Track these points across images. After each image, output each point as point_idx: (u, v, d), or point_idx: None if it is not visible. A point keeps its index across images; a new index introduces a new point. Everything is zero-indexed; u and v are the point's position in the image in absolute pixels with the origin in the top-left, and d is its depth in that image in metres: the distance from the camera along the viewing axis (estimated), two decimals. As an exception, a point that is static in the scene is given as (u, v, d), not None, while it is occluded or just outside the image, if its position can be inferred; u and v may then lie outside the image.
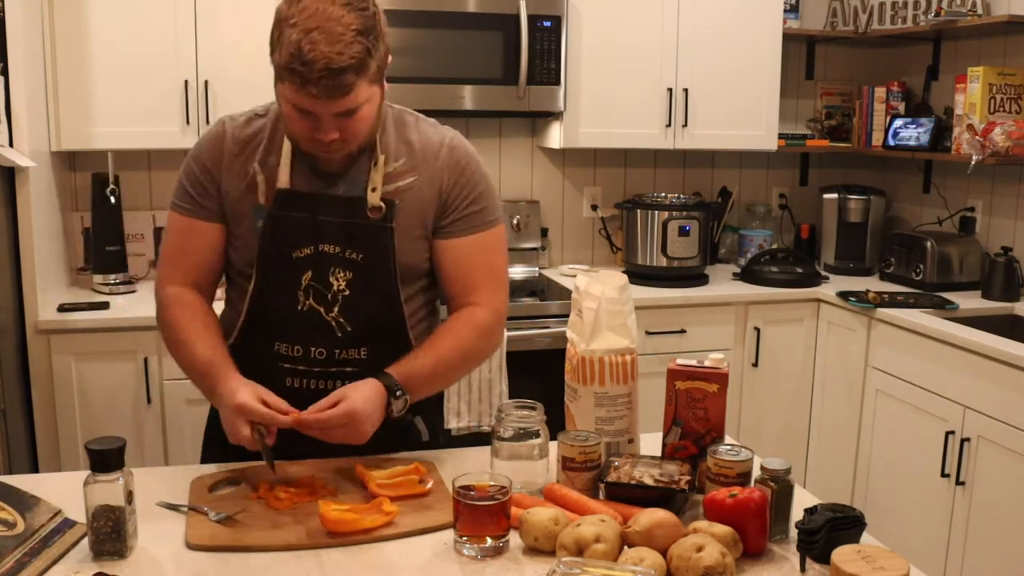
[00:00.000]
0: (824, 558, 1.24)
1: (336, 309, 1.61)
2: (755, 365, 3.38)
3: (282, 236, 1.59)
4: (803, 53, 4.00)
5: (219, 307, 1.73)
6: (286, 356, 1.62)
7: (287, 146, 1.60)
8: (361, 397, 1.48)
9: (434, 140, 1.66)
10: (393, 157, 1.63)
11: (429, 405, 1.79)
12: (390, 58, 1.54)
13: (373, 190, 1.59)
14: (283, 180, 1.59)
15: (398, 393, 1.54)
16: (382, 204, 1.59)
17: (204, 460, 1.76)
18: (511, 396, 2.95)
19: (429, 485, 1.51)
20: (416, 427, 1.75)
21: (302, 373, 1.62)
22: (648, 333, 3.21)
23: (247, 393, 1.47)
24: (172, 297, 1.64)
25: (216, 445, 1.66)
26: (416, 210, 1.63)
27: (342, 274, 1.60)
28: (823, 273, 3.65)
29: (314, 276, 1.60)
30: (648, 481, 1.43)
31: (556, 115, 3.40)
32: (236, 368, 1.55)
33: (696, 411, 1.51)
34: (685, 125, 3.48)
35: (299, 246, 1.59)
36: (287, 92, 1.47)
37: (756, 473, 1.41)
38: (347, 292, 1.60)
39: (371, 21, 1.45)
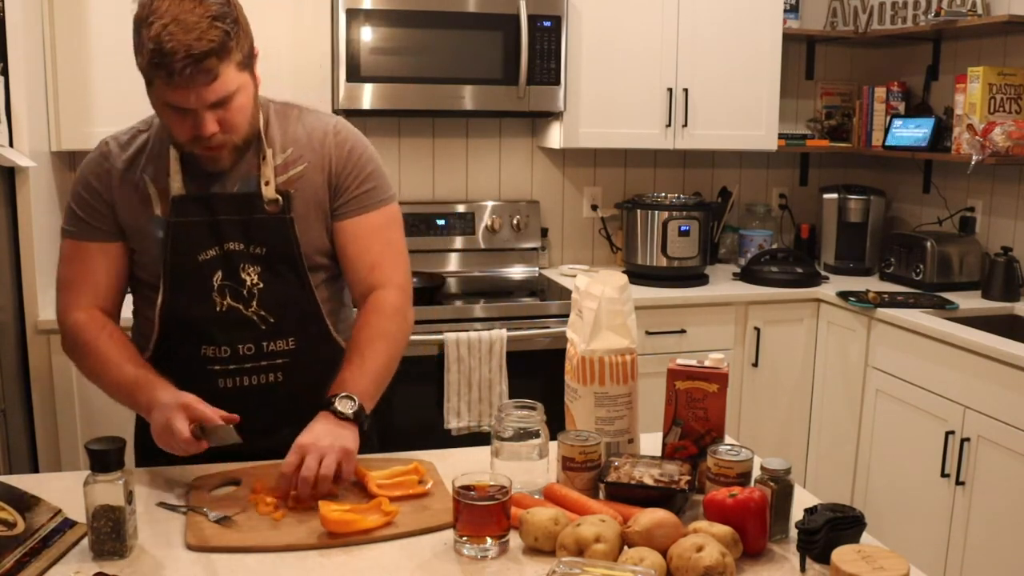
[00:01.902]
0: (824, 558, 1.24)
1: (255, 303, 1.62)
2: (755, 365, 3.38)
3: (185, 242, 1.60)
4: (803, 53, 4.00)
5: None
6: (214, 358, 1.62)
7: (174, 153, 1.60)
8: (309, 430, 1.48)
9: (319, 127, 1.69)
10: (280, 149, 1.65)
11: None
12: (258, 50, 1.58)
13: (267, 184, 1.62)
14: (176, 187, 1.60)
15: (332, 400, 1.52)
16: (278, 196, 1.61)
17: (139, 464, 1.74)
18: (511, 396, 2.96)
19: (429, 485, 1.51)
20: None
21: (233, 372, 1.63)
22: (648, 333, 3.21)
23: (190, 395, 1.48)
24: (81, 323, 1.62)
25: (149, 448, 1.63)
26: (310, 196, 1.65)
27: (252, 269, 1.62)
28: (823, 273, 3.65)
29: (225, 275, 1.61)
30: (648, 481, 1.43)
31: (556, 115, 3.40)
32: (166, 380, 1.55)
33: (696, 411, 1.52)
34: (685, 125, 3.48)
35: (203, 249, 1.61)
36: (158, 92, 1.49)
37: (756, 473, 1.41)
38: (260, 285, 1.62)
39: (225, 8, 1.48)
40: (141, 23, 1.45)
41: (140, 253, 1.64)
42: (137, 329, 1.71)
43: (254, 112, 1.60)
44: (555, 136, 3.46)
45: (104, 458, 1.27)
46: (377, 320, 1.66)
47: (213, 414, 1.47)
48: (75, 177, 1.67)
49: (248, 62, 1.55)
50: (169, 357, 1.64)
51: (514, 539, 1.34)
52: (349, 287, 1.76)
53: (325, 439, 1.46)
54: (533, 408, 1.53)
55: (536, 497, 1.45)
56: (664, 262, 3.44)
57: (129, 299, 1.73)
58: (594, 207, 3.82)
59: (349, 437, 1.49)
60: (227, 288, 1.61)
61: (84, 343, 1.61)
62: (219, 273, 1.61)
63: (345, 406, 1.52)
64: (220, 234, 1.61)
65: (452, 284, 3.42)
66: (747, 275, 3.54)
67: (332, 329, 1.72)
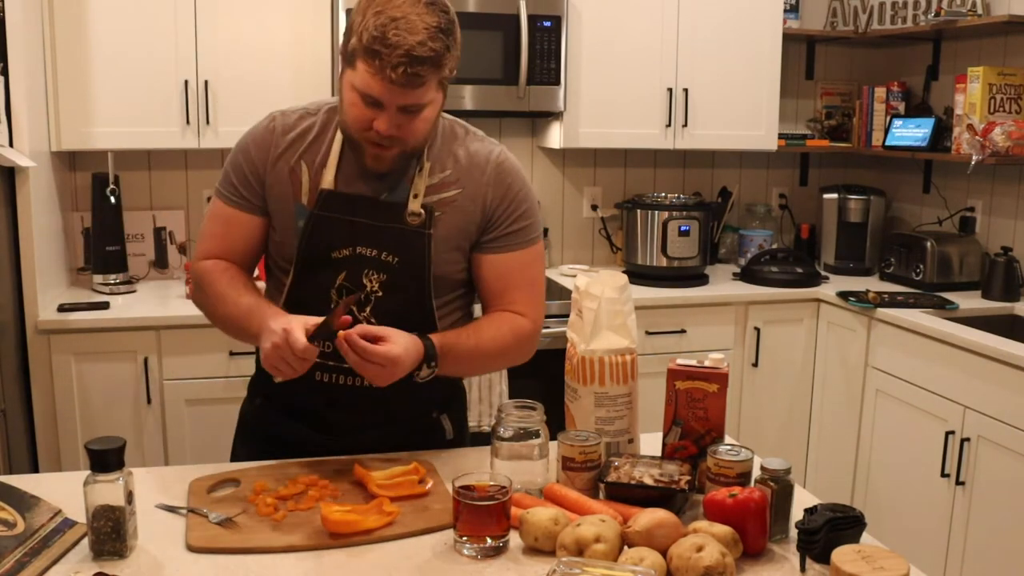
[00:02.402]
0: (824, 558, 1.24)
1: (368, 309, 1.62)
2: (755, 365, 3.38)
3: (321, 237, 1.60)
4: (803, 53, 4.00)
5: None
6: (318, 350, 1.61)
7: (336, 146, 1.61)
8: (403, 348, 1.49)
9: (481, 155, 1.67)
10: (439, 168, 1.64)
11: (455, 403, 1.82)
12: (455, 72, 1.59)
13: (415, 196, 1.60)
14: (327, 180, 1.60)
15: (432, 363, 1.55)
16: (422, 211, 1.60)
17: (235, 457, 1.79)
18: (511, 396, 2.95)
19: (429, 485, 1.51)
20: (442, 425, 1.77)
21: (332, 368, 1.63)
22: (648, 333, 3.21)
23: (297, 323, 1.46)
24: (207, 268, 1.67)
25: (252, 439, 1.72)
26: (457, 223, 1.63)
27: (376, 276, 1.61)
28: (823, 273, 3.65)
29: (348, 277, 1.61)
30: (648, 481, 1.43)
31: (556, 115, 3.40)
32: (279, 309, 1.58)
33: (696, 411, 1.52)
34: (685, 125, 3.48)
35: (338, 247, 1.61)
36: (360, 76, 1.48)
37: (756, 473, 1.41)
38: (380, 294, 1.62)
39: (451, 25, 1.53)
40: (369, 6, 1.46)
41: (276, 232, 1.65)
42: None
43: (433, 128, 1.60)
44: (555, 136, 3.47)
45: (104, 458, 1.27)
46: (504, 327, 1.66)
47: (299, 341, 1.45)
48: (238, 143, 1.67)
49: (447, 81, 1.57)
50: None
51: (514, 539, 1.34)
52: (483, 310, 1.73)
53: (401, 372, 1.49)
54: (533, 408, 1.53)
55: (536, 497, 1.45)
56: (664, 262, 3.44)
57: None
58: (594, 207, 3.82)
59: (402, 375, 1.50)
60: (345, 289, 1.61)
61: (207, 284, 1.65)
62: (344, 273, 1.61)
63: (425, 373, 1.55)
64: (355, 236, 1.60)
65: (452, 284, 3.41)
66: (747, 275, 3.54)
67: None
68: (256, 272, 1.76)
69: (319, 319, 1.47)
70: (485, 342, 1.63)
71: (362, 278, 1.61)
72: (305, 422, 1.69)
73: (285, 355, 1.45)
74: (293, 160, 1.62)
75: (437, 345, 1.56)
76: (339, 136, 1.61)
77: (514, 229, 1.67)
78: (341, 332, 1.46)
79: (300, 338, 1.44)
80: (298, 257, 1.62)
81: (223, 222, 1.68)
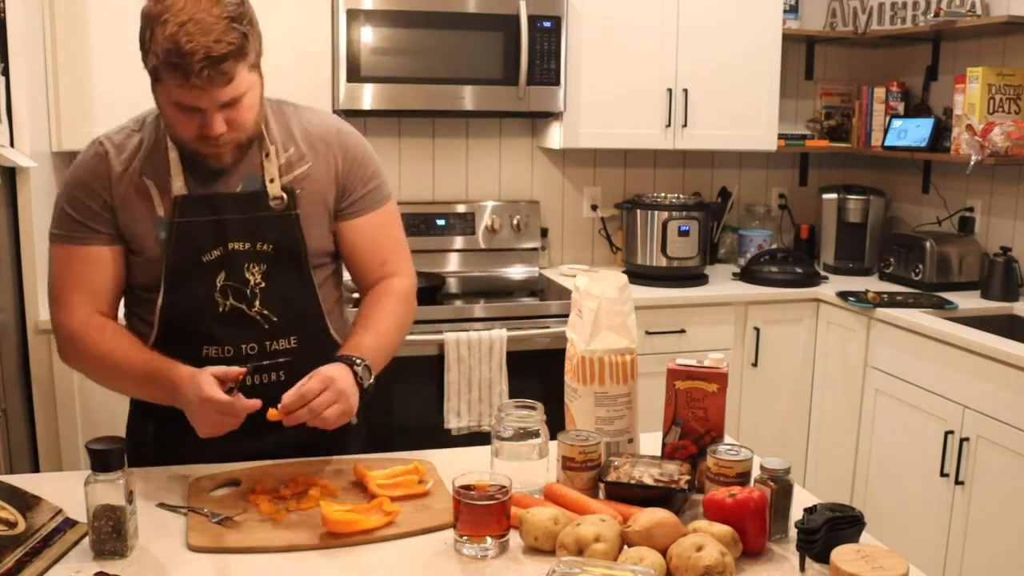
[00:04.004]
0: (823, 557, 1.24)
1: (257, 303, 1.61)
2: (755, 365, 3.39)
3: (189, 242, 1.58)
4: (803, 53, 4.00)
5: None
6: (216, 359, 1.59)
7: (174, 152, 1.58)
8: (334, 373, 1.49)
9: (322, 126, 1.70)
10: (282, 147, 1.65)
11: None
12: (263, 48, 1.58)
13: (271, 181, 1.61)
14: (178, 187, 1.58)
15: (357, 362, 1.55)
16: (283, 194, 1.61)
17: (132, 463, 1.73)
18: (511, 396, 2.96)
19: (429, 485, 1.52)
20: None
21: (251, 371, 1.60)
22: (648, 333, 3.21)
23: (208, 384, 1.44)
24: (80, 332, 1.58)
25: (145, 446, 1.65)
26: (316, 196, 1.66)
27: (256, 267, 1.61)
28: (822, 273, 3.65)
29: (228, 275, 1.60)
30: (648, 481, 1.44)
31: (556, 115, 3.40)
32: (176, 363, 1.53)
33: (696, 411, 1.52)
34: (685, 125, 3.48)
35: (208, 249, 1.59)
36: (169, 91, 1.46)
37: (756, 473, 1.41)
38: (263, 284, 1.61)
39: (240, 8, 1.48)
40: (154, 20, 1.42)
41: (139, 255, 1.60)
42: (135, 332, 1.66)
43: (260, 110, 1.59)
44: (555, 136, 3.47)
45: (105, 458, 1.27)
46: (389, 300, 1.71)
47: (239, 406, 1.45)
48: (66, 179, 1.61)
49: (258, 61, 1.55)
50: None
51: (514, 539, 1.34)
52: (357, 282, 1.77)
53: (347, 386, 1.49)
54: (533, 408, 1.53)
55: (536, 497, 1.45)
56: (664, 262, 3.45)
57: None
58: (594, 207, 3.82)
59: (356, 399, 1.52)
60: (230, 288, 1.60)
61: (89, 349, 1.58)
62: (223, 273, 1.59)
63: (365, 375, 1.55)
64: (225, 234, 1.59)
65: (452, 284, 3.42)
66: (747, 275, 3.54)
67: (330, 327, 1.72)
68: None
69: (222, 369, 1.46)
70: (382, 326, 1.66)
71: (244, 273, 1.60)
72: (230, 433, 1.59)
73: (231, 422, 1.46)
74: (136, 178, 1.58)
75: (353, 351, 1.58)
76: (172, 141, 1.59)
77: (368, 190, 1.71)
78: (277, 412, 1.45)
79: (223, 401, 1.43)
80: (167, 269, 1.58)
81: (76, 265, 1.59)
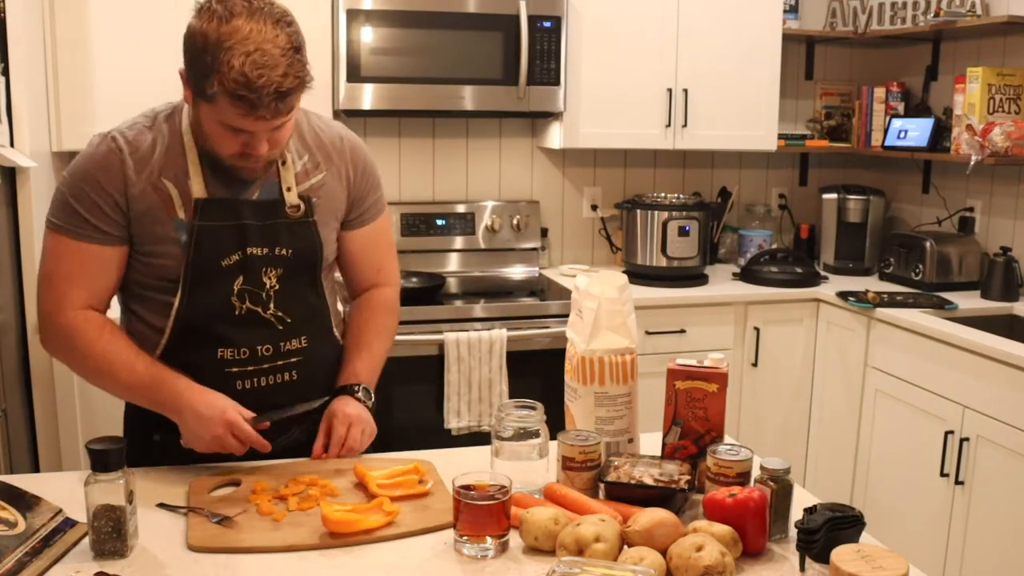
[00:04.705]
0: (823, 557, 1.24)
1: (272, 305, 1.63)
2: (755, 365, 3.39)
3: (210, 246, 1.57)
4: (803, 53, 4.00)
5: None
6: (232, 360, 1.61)
7: (193, 153, 1.58)
8: (342, 406, 1.67)
9: (334, 136, 1.73)
10: (296, 155, 1.66)
11: None
12: None
13: (288, 189, 1.63)
14: (198, 189, 1.57)
15: (357, 389, 1.70)
16: (300, 202, 1.64)
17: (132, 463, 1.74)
18: (511, 396, 2.96)
19: (429, 485, 1.52)
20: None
21: (251, 373, 1.63)
22: (648, 333, 3.21)
23: (232, 409, 1.54)
24: (77, 324, 1.56)
25: (139, 441, 1.65)
26: (330, 205, 1.70)
27: (273, 272, 1.63)
28: (822, 273, 3.65)
29: (245, 279, 1.60)
30: (648, 481, 1.44)
31: (556, 115, 3.40)
32: (180, 375, 1.56)
33: (696, 411, 1.52)
34: (685, 125, 3.48)
35: (227, 253, 1.59)
36: (226, 115, 1.45)
37: (756, 473, 1.41)
38: (278, 287, 1.63)
39: (299, 36, 1.48)
40: (216, 45, 1.40)
41: (156, 256, 1.57)
42: (137, 334, 1.64)
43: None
44: (555, 136, 3.47)
45: (105, 458, 1.27)
46: (379, 316, 1.81)
47: (256, 439, 1.56)
48: (74, 170, 1.56)
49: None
50: (180, 361, 1.59)
51: (514, 539, 1.34)
52: (350, 286, 1.84)
53: (364, 415, 1.68)
54: (533, 408, 1.53)
55: (536, 497, 1.45)
56: (664, 262, 3.45)
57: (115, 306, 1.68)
58: (594, 207, 3.82)
59: (372, 421, 1.69)
60: (246, 292, 1.61)
61: (83, 345, 1.57)
62: (240, 277, 1.60)
63: (367, 398, 1.71)
64: (244, 239, 1.59)
65: (452, 284, 3.42)
66: (747, 275, 3.54)
67: (333, 325, 1.77)
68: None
69: (244, 427, 1.54)
70: (376, 343, 1.78)
71: (261, 277, 1.61)
72: None
73: (232, 447, 1.54)
74: (154, 178, 1.56)
75: (351, 379, 1.71)
76: (191, 142, 1.58)
77: (374, 200, 1.77)
78: (317, 454, 1.64)
79: (249, 431, 1.54)
80: (186, 272, 1.57)
81: (77, 260, 1.55)
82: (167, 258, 1.57)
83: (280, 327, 1.64)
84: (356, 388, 1.70)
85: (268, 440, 1.58)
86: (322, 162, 1.68)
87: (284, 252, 1.62)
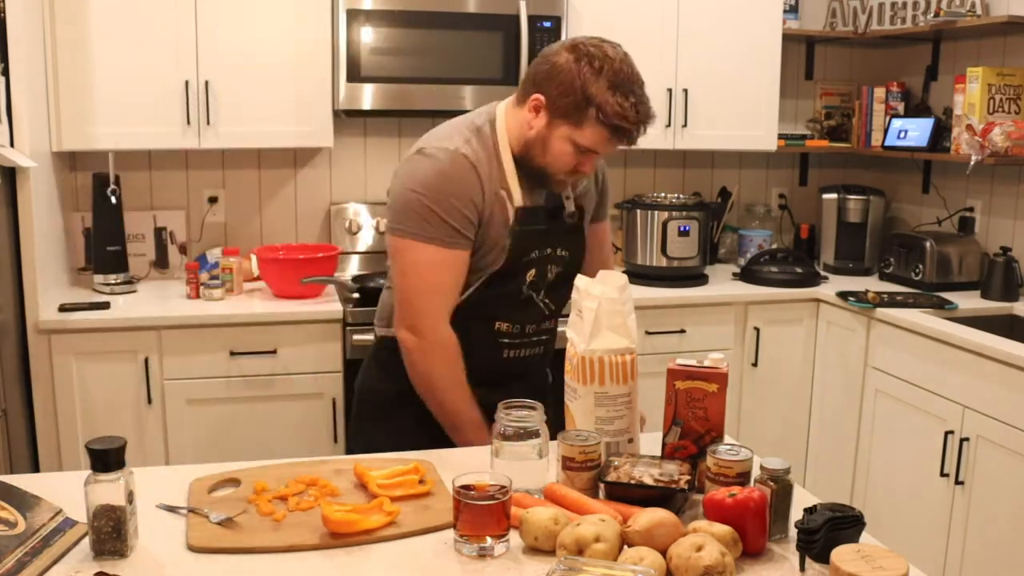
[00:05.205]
0: (823, 557, 1.24)
1: (542, 292, 1.88)
2: (755, 365, 3.39)
3: (521, 247, 1.80)
4: (803, 53, 4.00)
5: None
6: (506, 333, 1.86)
7: (509, 164, 1.77)
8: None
9: None
10: None
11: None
12: None
13: (568, 198, 1.88)
14: (518, 198, 1.78)
15: None
16: (575, 210, 1.90)
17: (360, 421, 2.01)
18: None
19: (429, 486, 1.51)
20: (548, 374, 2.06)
21: (517, 345, 1.88)
22: (648, 333, 3.21)
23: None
24: (446, 343, 1.77)
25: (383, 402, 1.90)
26: (589, 207, 1.97)
27: (553, 268, 1.87)
28: (822, 273, 3.65)
29: (537, 273, 1.85)
30: (648, 481, 1.44)
31: (556, 115, 3.40)
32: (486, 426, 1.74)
33: (696, 411, 1.52)
34: (685, 125, 3.48)
35: (532, 251, 1.82)
36: (588, 137, 1.69)
37: (756, 473, 1.41)
38: (553, 280, 1.88)
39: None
40: (587, 67, 1.66)
41: (485, 254, 1.78)
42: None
43: None
44: (555, 136, 3.46)
45: (105, 458, 1.27)
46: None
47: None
48: (432, 184, 1.70)
49: None
50: (467, 328, 1.79)
51: (514, 539, 1.34)
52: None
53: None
54: (533, 408, 1.54)
55: (536, 497, 1.45)
56: (664, 262, 3.45)
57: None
58: (594, 207, 3.82)
59: None
60: (533, 283, 1.85)
61: (453, 369, 1.77)
62: (533, 271, 1.84)
63: None
64: (546, 241, 1.83)
65: (452, 284, 3.42)
66: (747, 275, 3.54)
67: None
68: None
69: None
70: None
71: (547, 273, 1.86)
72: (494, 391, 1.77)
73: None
74: (498, 188, 1.77)
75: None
76: (507, 152, 1.77)
77: (606, 197, 2.06)
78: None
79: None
80: (499, 268, 1.79)
81: (450, 268, 1.75)
82: (491, 256, 1.79)
83: (546, 312, 1.91)
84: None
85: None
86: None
87: (564, 253, 1.88)
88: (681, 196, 3.58)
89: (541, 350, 1.95)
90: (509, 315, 1.85)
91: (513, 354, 1.89)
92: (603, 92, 1.65)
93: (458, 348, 1.78)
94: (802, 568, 1.28)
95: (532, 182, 1.80)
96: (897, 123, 3.66)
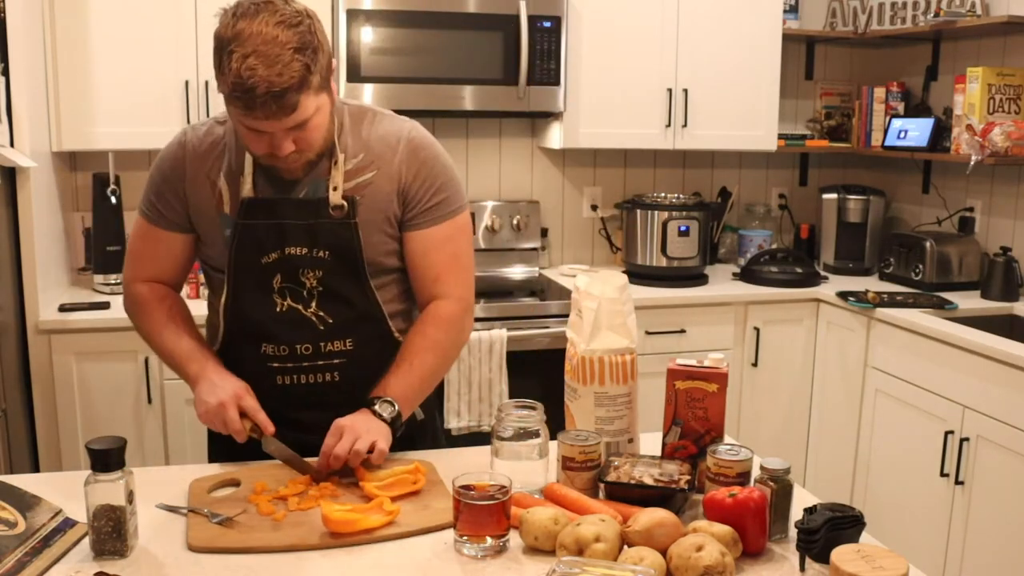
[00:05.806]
0: (823, 557, 1.24)
1: (314, 304, 1.65)
2: (755, 365, 3.39)
3: (250, 244, 1.63)
4: (803, 53, 4.00)
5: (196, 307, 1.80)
6: (273, 356, 1.66)
7: (249, 155, 1.62)
8: (344, 419, 1.57)
9: (391, 134, 1.69)
10: (351, 154, 1.65)
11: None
12: (335, 63, 1.58)
13: (334, 189, 1.63)
14: (246, 190, 1.63)
15: (375, 402, 1.60)
16: (343, 203, 1.63)
17: (212, 459, 1.78)
18: (511, 396, 2.96)
19: (419, 483, 1.51)
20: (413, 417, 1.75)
21: (291, 370, 1.67)
22: (648, 333, 3.21)
23: (243, 388, 1.59)
24: (143, 293, 1.74)
25: (221, 442, 1.67)
26: (377, 204, 1.65)
27: (312, 272, 1.64)
28: (822, 273, 3.65)
29: (284, 278, 1.64)
30: (648, 481, 1.44)
31: (556, 115, 3.40)
32: (218, 360, 1.66)
33: (696, 411, 1.52)
34: (685, 125, 3.48)
35: (267, 252, 1.63)
36: (235, 115, 1.52)
37: (756, 473, 1.41)
38: (320, 288, 1.65)
39: (307, 36, 1.47)
40: (223, 47, 1.45)
41: (209, 245, 1.69)
42: (209, 320, 1.77)
43: (329, 125, 1.61)
44: (555, 136, 3.47)
45: (105, 458, 1.27)
46: (430, 330, 1.69)
47: (258, 412, 1.58)
48: (155, 160, 1.72)
49: (326, 81, 1.54)
50: (233, 354, 1.69)
51: (514, 539, 1.34)
52: (415, 295, 1.76)
53: (362, 425, 1.55)
54: (533, 408, 1.53)
55: (536, 497, 1.45)
56: (664, 262, 3.45)
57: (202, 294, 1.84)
58: (594, 207, 3.82)
59: (384, 432, 1.57)
60: (287, 289, 1.65)
61: (144, 309, 1.73)
62: (278, 276, 1.64)
63: (384, 410, 1.59)
64: (283, 238, 1.63)
65: (452, 284, 3.42)
66: (747, 275, 3.54)
67: (394, 331, 1.71)
68: (186, 290, 1.79)
69: (250, 396, 1.59)
70: (419, 360, 1.66)
71: (299, 277, 1.64)
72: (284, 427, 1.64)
73: (216, 424, 1.57)
74: (210, 174, 1.65)
75: (379, 392, 1.62)
76: None
77: (432, 204, 1.68)
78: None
79: (235, 419, 1.55)
80: (230, 267, 1.65)
81: (148, 241, 1.72)
82: (217, 248, 1.67)
83: (321, 327, 1.65)
84: (375, 401, 1.60)
85: (303, 437, 1.61)
86: (375, 160, 1.66)
87: (323, 253, 1.63)
88: (681, 196, 3.58)
89: (334, 376, 1.68)
90: (272, 334, 1.65)
91: (288, 381, 1.67)
92: (223, 57, 1.45)
93: (163, 294, 1.73)
94: (802, 568, 1.28)
95: (271, 171, 1.62)
96: (897, 123, 3.66)
